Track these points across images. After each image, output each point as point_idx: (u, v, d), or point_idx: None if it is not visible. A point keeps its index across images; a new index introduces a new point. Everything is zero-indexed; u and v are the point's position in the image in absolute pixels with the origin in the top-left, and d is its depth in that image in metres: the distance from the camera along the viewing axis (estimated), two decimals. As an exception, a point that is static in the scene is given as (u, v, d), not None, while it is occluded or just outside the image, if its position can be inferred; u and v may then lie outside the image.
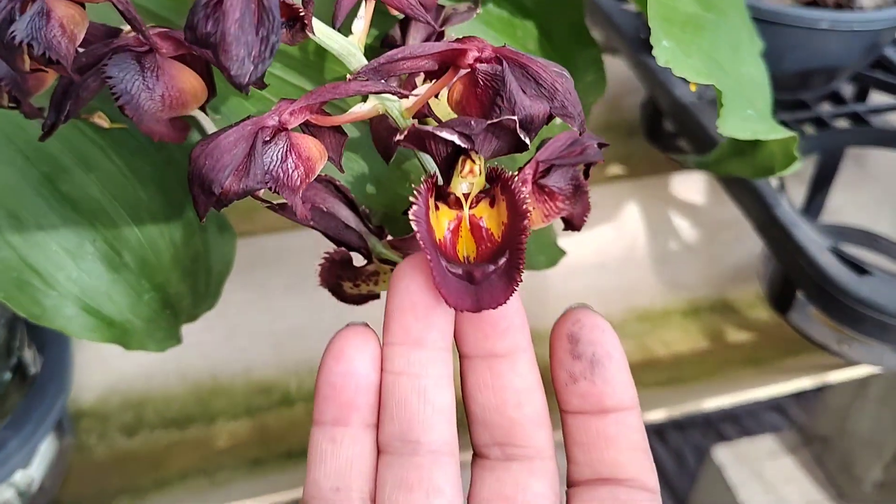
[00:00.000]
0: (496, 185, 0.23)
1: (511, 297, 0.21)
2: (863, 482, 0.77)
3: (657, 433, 1.32)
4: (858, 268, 0.47)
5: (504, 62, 0.22)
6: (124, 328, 0.31)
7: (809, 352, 0.57)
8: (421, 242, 0.21)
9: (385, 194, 0.29)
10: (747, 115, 0.28)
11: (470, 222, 0.23)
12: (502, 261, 0.22)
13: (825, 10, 0.52)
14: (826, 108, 0.59)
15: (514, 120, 0.21)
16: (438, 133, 0.21)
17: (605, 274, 0.64)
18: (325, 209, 0.28)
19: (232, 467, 0.54)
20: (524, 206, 0.22)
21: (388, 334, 0.23)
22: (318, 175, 0.26)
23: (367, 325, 0.24)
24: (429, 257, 0.21)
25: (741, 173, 0.41)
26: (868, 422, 0.77)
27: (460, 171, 0.23)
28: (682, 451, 1.28)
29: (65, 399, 0.44)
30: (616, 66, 0.69)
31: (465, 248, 0.23)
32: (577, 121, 0.23)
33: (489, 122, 0.21)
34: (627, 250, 0.65)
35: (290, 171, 0.22)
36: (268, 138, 0.22)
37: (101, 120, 0.28)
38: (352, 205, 0.27)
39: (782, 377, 0.55)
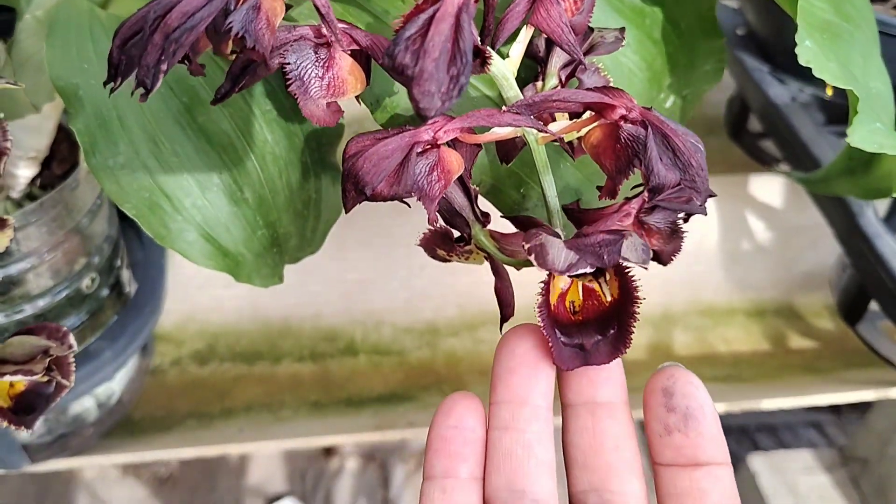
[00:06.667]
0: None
1: (615, 359, 0.24)
2: (897, 508, 0.77)
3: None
4: (939, 286, 0.46)
5: (649, 128, 0.23)
6: (236, 260, 0.32)
7: (870, 366, 0.57)
8: (542, 328, 0.24)
9: (496, 169, 0.30)
10: (876, 128, 0.28)
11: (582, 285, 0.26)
12: (611, 332, 0.24)
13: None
14: (922, 123, 0.58)
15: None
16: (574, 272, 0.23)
17: (673, 265, 0.65)
18: (444, 193, 0.29)
19: (293, 406, 0.56)
20: (636, 293, 0.24)
21: (495, 394, 0.25)
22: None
23: (474, 395, 0.26)
24: (546, 333, 0.24)
25: (850, 194, 0.41)
26: (910, 448, 0.76)
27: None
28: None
29: (156, 319, 0.46)
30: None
31: (573, 299, 0.26)
32: (703, 196, 0.24)
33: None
34: (697, 244, 0.65)
35: (434, 182, 0.24)
36: (420, 150, 0.24)
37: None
38: (468, 193, 0.29)
39: (842, 387, 0.55)
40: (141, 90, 0.21)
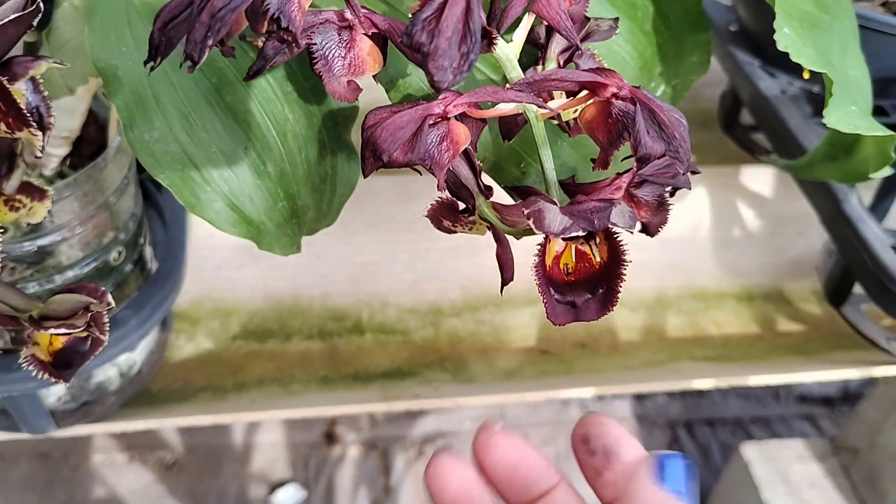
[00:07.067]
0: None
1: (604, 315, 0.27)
2: (888, 496, 0.79)
3: (686, 426, 1.34)
4: (917, 268, 0.49)
5: (637, 104, 0.26)
6: (259, 228, 0.35)
7: (857, 348, 0.60)
8: (538, 286, 0.27)
9: (499, 147, 0.33)
10: (851, 111, 0.31)
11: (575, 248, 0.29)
12: (600, 292, 0.27)
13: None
14: (904, 116, 0.61)
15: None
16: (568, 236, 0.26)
17: (667, 250, 0.68)
18: (451, 167, 0.32)
19: (303, 381, 0.59)
20: (624, 257, 0.27)
21: None
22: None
23: None
24: (541, 291, 0.27)
25: (832, 178, 0.44)
26: (900, 438, 0.79)
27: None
28: (710, 446, 1.30)
29: (178, 292, 0.49)
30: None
31: (566, 261, 0.28)
32: (685, 166, 0.27)
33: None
34: (691, 231, 0.68)
35: (443, 152, 0.27)
36: (432, 122, 0.27)
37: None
38: (472, 167, 0.31)
39: (829, 367, 0.58)
40: (188, 63, 0.24)
